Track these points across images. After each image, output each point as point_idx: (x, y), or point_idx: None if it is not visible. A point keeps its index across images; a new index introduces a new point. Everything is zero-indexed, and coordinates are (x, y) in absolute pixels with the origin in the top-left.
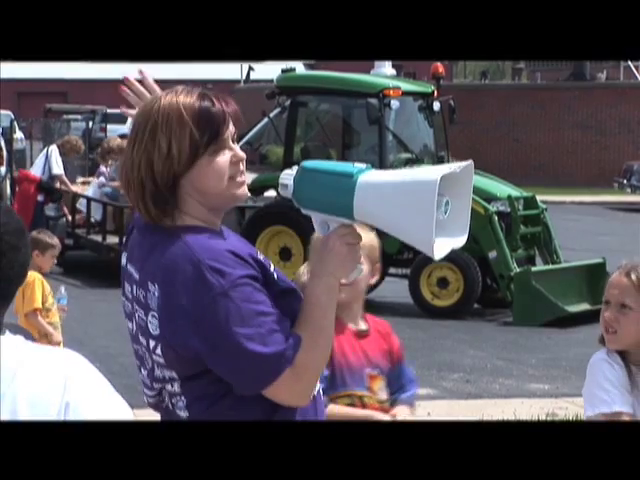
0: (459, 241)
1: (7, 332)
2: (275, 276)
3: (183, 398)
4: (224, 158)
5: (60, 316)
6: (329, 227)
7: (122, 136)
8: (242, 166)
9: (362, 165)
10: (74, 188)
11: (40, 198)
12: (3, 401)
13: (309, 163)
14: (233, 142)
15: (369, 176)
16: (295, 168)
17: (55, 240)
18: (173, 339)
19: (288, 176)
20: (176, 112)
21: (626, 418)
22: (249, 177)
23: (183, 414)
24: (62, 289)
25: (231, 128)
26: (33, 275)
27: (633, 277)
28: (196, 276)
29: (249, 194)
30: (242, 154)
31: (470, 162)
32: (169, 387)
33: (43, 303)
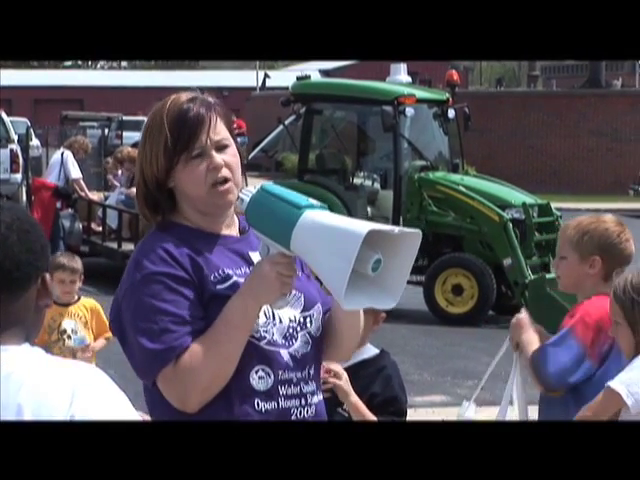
0: (383, 303)
1: (26, 344)
2: (219, 281)
3: None
4: (199, 165)
5: (79, 357)
6: (269, 251)
7: (135, 145)
8: (225, 172)
9: (317, 202)
10: (91, 196)
11: (58, 205)
12: (7, 412)
13: (269, 186)
14: (219, 148)
15: (315, 214)
16: (257, 186)
17: (69, 262)
18: (110, 319)
19: (248, 192)
20: (159, 118)
21: None
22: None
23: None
24: (73, 328)
25: (212, 135)
26: None
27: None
28: (128, 267)
29: (236, 202)
30: (219, 161)
31: (417, 232)
32: None
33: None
